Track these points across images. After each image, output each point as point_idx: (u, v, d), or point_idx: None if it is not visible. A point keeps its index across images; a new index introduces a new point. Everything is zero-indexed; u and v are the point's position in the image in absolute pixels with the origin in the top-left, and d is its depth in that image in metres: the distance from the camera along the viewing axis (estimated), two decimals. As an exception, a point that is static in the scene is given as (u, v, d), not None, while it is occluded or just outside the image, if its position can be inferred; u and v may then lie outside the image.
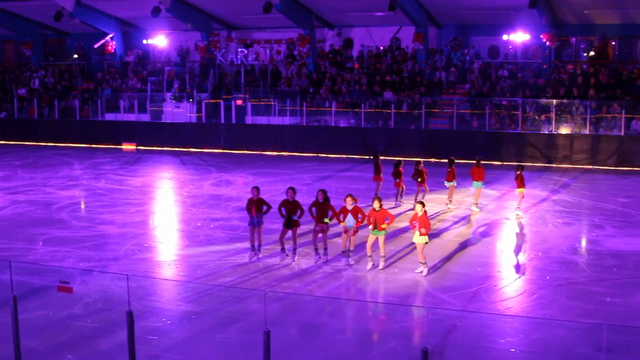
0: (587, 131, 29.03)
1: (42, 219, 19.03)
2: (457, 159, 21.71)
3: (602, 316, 11.88)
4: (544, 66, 33.00)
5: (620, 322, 11.50)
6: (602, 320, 11.55)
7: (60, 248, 16.10)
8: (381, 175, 21.13)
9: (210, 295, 12.99)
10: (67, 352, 10.51)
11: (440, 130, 31.61)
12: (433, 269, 14.44)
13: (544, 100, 30.34)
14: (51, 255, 15.58)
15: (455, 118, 31.25)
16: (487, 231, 18.01)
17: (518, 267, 14.75)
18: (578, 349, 10.59)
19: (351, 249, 14.80)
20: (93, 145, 35.71)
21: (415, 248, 14.51)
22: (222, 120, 34.75)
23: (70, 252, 15.77)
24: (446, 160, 21.29)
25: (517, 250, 15.23)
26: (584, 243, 17.13)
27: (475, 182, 20.16)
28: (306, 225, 15.93)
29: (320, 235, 14.91)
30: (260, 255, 15.26)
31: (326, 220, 14.69)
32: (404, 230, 17.34)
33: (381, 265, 14.51)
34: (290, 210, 14.78)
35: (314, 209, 14.77)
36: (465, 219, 19.32)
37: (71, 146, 35.73)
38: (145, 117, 36.51)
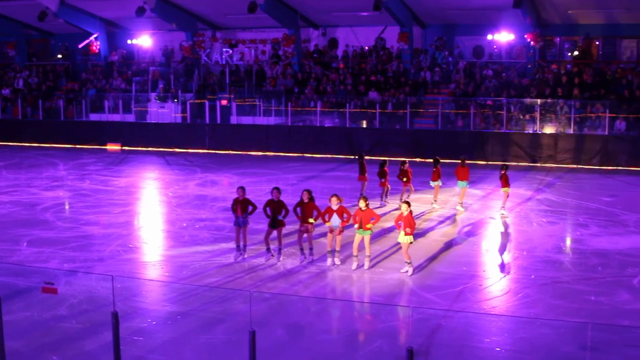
0: (571, 131, 29.20)
1: (26, 220, 18.90)
2: (442, 159, 21.78)
3: (586, 315, 11.94)
4: (529, 66, 33.16)
5: (605, 320, 11.56)
6: (587, 318, 11.61)
7: (45, 249, 16.00)
8: (366, 175, 21.15)
9: (195, 296, 12.95)
10: (52, 353, 10.44)
11: (425, 130, 31.67)
12: (418, 269, 14.47)
13: (528, 100, 30.48)
14: (36, 256, 15.48)
15: (440, 118, 31.35)
16: (472, 231, 18.06)
17: (503, 267, 14.80)
18: (563, 348, 10.63)
19: (337, 249, 14.79)
20: (78, 146, 35.53)
21: (400, 248, 14.54)
22: (207, 121, 34.68)
23: (55, 253, 15.67)
24: (431, 160, 21.35)
25: (502, 250, 15.27)
26: (568, 242, 17.21)
27: (460, 182, 20.23)
28: (291, 225, 15.92)
29: (305, 235, 14.90)
30: (245, 256, 15.23)
31: (311, 220, 14.68)
32: (390, 230, 17.36)
33: (367, 265, 14.51)
34: (275, 210, 14.76)
35: (298, 209, 14.76)
36: (451, 218, 19.38)
37: (55, 147, 35.54)
38: (130, 118, 36.39)
